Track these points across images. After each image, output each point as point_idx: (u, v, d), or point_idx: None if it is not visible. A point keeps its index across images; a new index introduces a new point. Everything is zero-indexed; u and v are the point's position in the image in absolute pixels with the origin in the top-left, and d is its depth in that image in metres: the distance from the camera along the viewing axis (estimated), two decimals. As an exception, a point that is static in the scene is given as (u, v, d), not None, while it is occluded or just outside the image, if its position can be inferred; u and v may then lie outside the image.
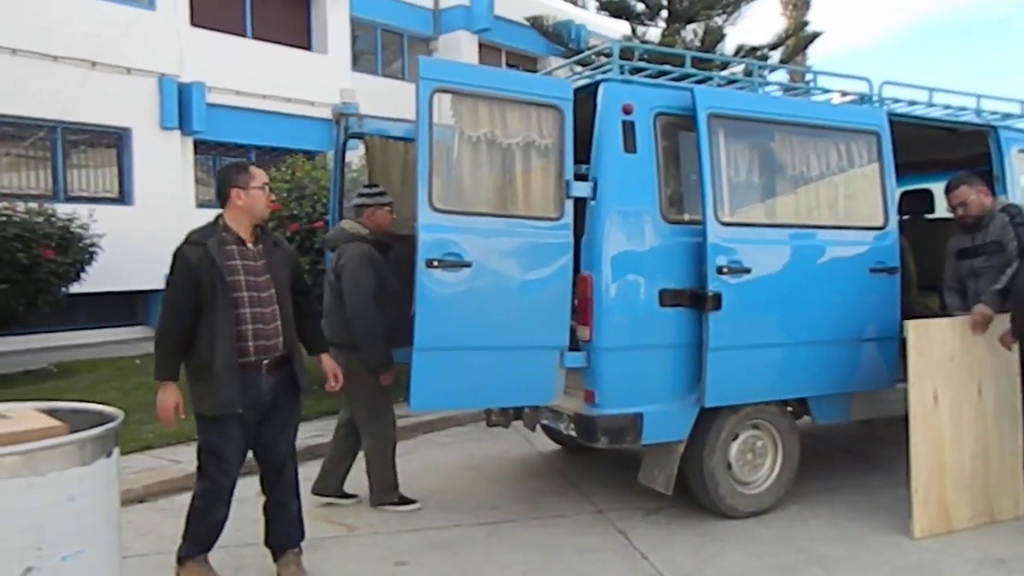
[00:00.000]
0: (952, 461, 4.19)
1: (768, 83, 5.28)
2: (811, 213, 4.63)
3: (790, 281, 4.37)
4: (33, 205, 8.82)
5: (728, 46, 16.27)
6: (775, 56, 15.34)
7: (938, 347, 4.18)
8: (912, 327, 4.14)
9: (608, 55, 4.29)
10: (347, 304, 4.37)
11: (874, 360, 4.68)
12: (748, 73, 4.99)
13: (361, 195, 4.66)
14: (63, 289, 8.93)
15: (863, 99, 5.09)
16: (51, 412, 1.85)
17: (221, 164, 13.63)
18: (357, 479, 4.77)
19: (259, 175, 3.61)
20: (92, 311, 11.35)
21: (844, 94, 5.26)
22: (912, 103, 5.22)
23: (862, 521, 4.35)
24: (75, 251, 8.83)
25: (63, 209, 9.14)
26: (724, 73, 5.78)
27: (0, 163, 10.74)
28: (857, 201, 4.75)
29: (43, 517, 1.56)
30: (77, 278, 9.05)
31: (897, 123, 4.86)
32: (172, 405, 3.39)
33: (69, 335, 10.94)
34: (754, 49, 14.95)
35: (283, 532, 3.74)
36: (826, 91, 5.22)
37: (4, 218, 8.23)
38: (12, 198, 9.29)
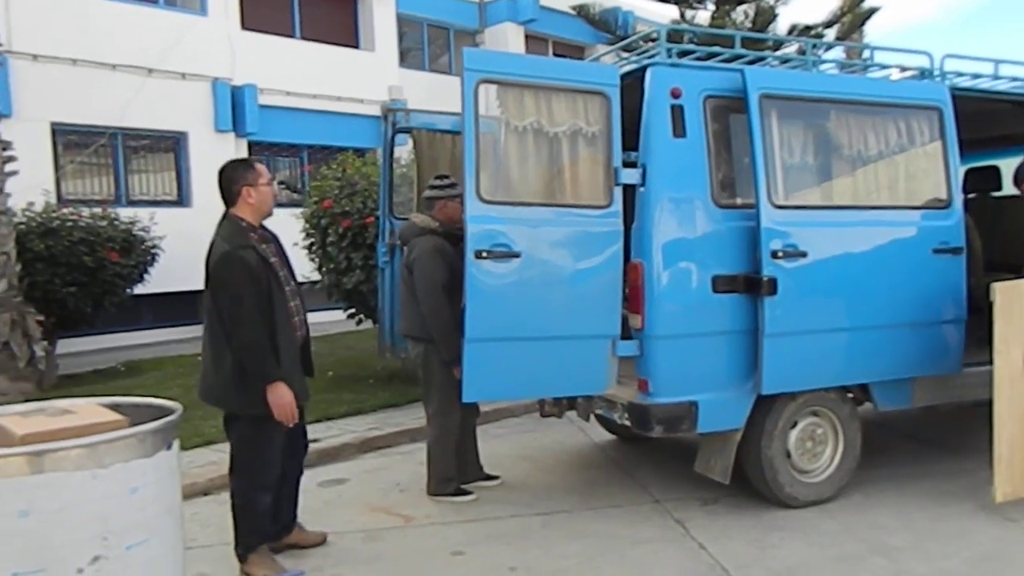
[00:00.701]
0: None
1: (823, 61, 5.14)
2: (869, 193, 4.49)
3: (848, 264, 4.25)
4: (97, 210, 9.13)
5: (781, 26, 15.93)
6: (830, 34, 14.94)
7: None
8: (998, 290, 3.99)
9: (655, 39, 4.22)
10: (420, 298, 4.40)
11: (939, 344, 4.52)
12: (802, 52, 4.85)
13: (432, 187, 4.65)
14: (127, 290, 9.24)
15: (924, 74, 4.91)
16: (114, 407, 1.90)
17: (274, 164, 13.93)
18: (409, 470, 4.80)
19: (264, 171, 3.67)
20: (155, 311, 11.70)
21: (903, 69, 5.08)
22: (976, 76, 5.02)
23: (930, 510, 4.21)
24: (138, 253, 9.14)
25: (125, 213, 9.44)
26: (777, 53, 5.64)
27: (65, 171, 11.12)
28: (918, 179, 4.59)
29: (107, 508, 1.60)
30: (140, 279, 9.36)
31: (961, 98, 4.68)
32: (292, 400, 3.45)
33: (134, 335, 11.30)
34: (808, 28, 14.58)
35: (295, 507, 3.93)
36: (883, 67, 5.04)
37: (70, 223, 8.54)
38: (77, 204, 9.62)
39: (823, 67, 5.10)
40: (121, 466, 1.61)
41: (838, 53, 15.90)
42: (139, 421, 1.75)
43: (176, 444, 1.83)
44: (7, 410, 1.93)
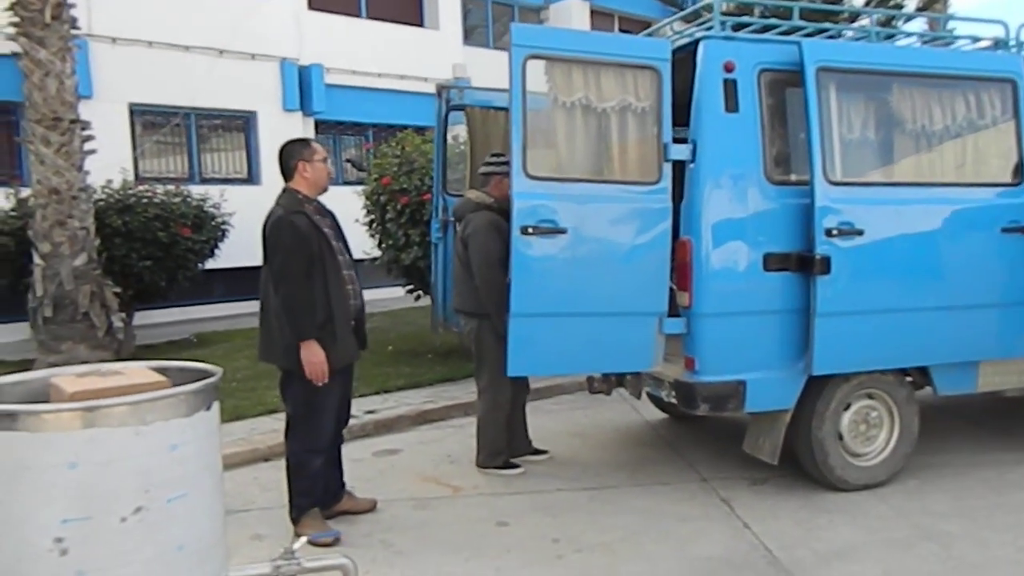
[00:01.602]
0: None
1: (888, 33, 4.95)
2: (933, 170, 4.33)
3: (908, 243, 4.12)
4: (171, 187, 9.49)
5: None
6: (911, 3, 14.29)
7: None
8: None
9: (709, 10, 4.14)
10: (475, 273, 4.47)
11: (1007, 326, 4.35)
12: (882, 24, 4.69)
13: (488, 163, 4.70)
14: (199, 265, 9.59)
15: (998, 44, 4.69)
16: (162, 370, 2.02)
17: (341, 142, 14.18)
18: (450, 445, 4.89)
19: (320, 149, 3.86)
20: (226, 285, 12.11)
21: (976, 40, 4.87)
22: (1056, 46, 4.76)
23: (989, 498, 4.09)
24: (209, 229, 9.47)
25: (197, 190, 9.79)
26: (853, 25, 5.45)
27: (142, 149, 11.58)
28: (987, 155, 4.41)
29: (149, 463, 1.71)
30: (212, 254, 9.70)
31: None
32: (323, 359, 3.60)
33: (206, 308, 11.74)
34: (886, -3, 13.99)
35: (341, 473, 4.09)
36: (944, 38, 4.84)
37: (146, 200, 8.91)
38: (153, 182, 10.02)
39: (888, 39, 4.92)
40: (162, 424, 1.71)
41: (919, 25, 15.25)
42: (181, 383, 1.85)
43: (216, 406, 1.93)
44: (65, 370, 2.07)
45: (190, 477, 1.77)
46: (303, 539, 2.33)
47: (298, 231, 3.60)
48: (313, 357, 3.57)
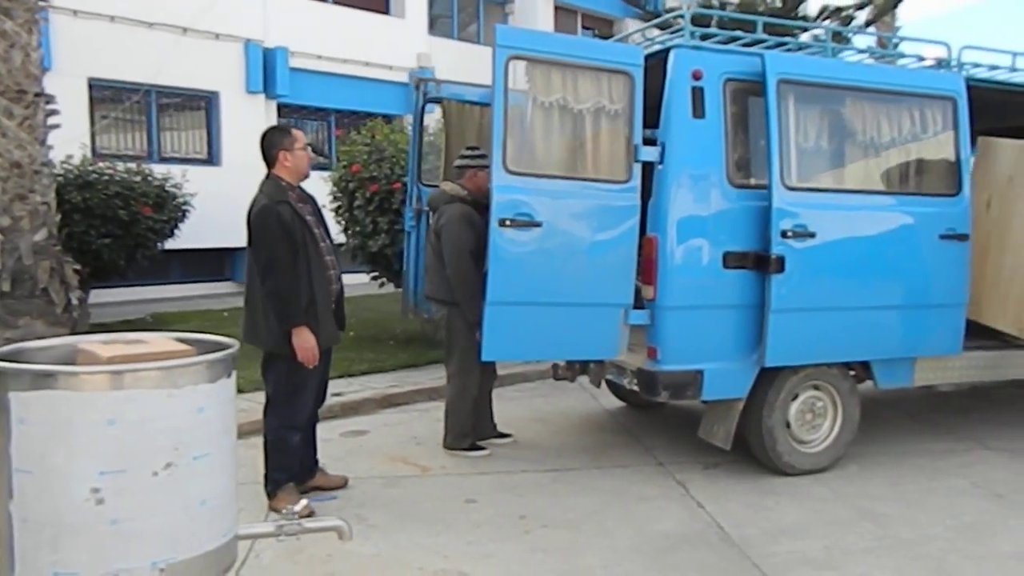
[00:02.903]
0: (991, 267, 4.82)
1: (841, 48, 5.26)
2: (880, 179, 4.65)
3: (855, 246, 4.43)
4: (132, 165, 9.39)
5: (812, 7, 15.83)
6: (861, 16, 14.83)
7: (1000, 166, 4.92)
8: (981, 142, 4.79)
9: (680, 22, 4.37)
10: (446, 262, 4.63)
11: (941, 326, 4.70)
12: (838, 37, 4.99)
13: (463, 156, 4.87)
14: (159, 245, 9.52)
15: (940, 64, 5.04)
16: (181, 340, 2.16)
17: (303, 127, 14.13)
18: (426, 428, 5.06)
19: (300, 136, 3.99)
20: (184, 266, 12.03)
21: (920, 59, 5.21)
22: (993, 68, 5.13)
23: (922, 483, 4.43)
24: (169, 209, 9.39)
25: (158, 169, 9.71)
26: (806, 38, 5.75)
27: (100, 125, 11.40)
28: (929, 167, 4.74)
29: (179, 423, 1.86)
30: (171, 235, 9.63)
31: (982, 89, 4.81)
32: (315, 344, 3.74)
33: (163, 288, 11.64)
34: (839, 10, 14.50)
35: (315, 451, 4.23)
36: (892, 55, 5.17)
37: (107, 177, 8.80)
38: (111, 158, 9.89)
39: (844, 54, 5.23)
40: (191, 388, 1.86)
41: (868, 40, 15.81)
42: (204, 353, 2.00)
43: (234, 375, 2.08)
44: (90, 338, 2.20)
45: (213, 437, 1.93)
46: (304, 502, 2.49)
47: (283, 220, 3.72)
48: (304, 343, 3.71)
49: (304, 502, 2.49)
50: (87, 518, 1.79)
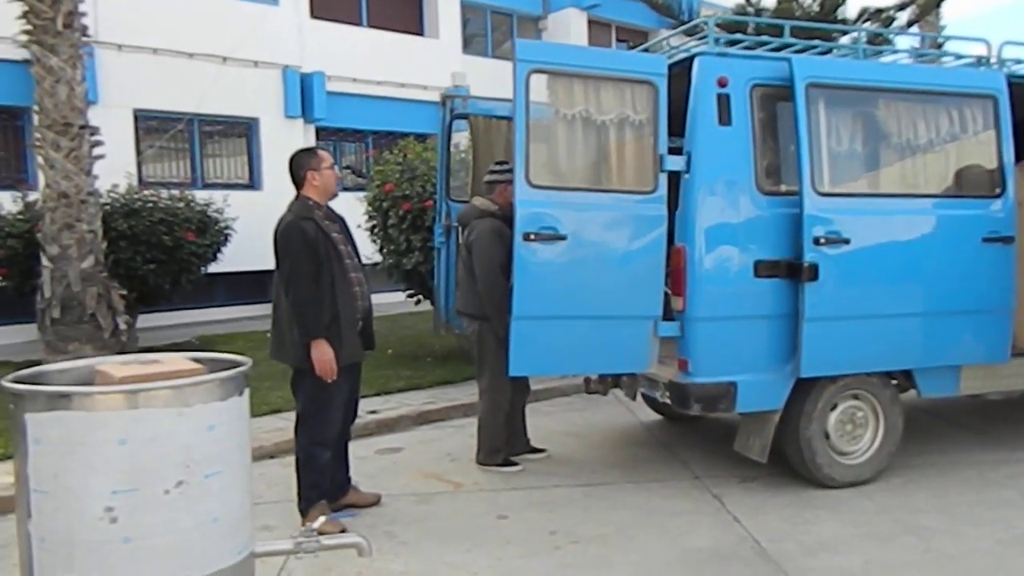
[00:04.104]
0: None
1: (877, 50, 5.16)
2: (917, 182, 4.53)
3: (892, 251, 4.31)
4: (175, 192, 9.65)
5: (851, 9, 15.56)
6: (903, 17, 14.53)
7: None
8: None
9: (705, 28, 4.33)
10: (477, 277, 4.63)
11: (986, 332, 4.54)
12: (870, 41, 4.89)
13: (492, 171, 4.88)
14: (202, 269, 9.74)
15: (980, 61, 4.90)
16: (196, 360, 2.19)
17: (341, 149, 14.37)
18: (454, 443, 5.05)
19: (327, 157, 4.07)
20: (228, 289, 12.27)
21: (959, 57, 5.07)
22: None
23: (969, 495, 4.27)
24: (212, 233, 9.61)
25: (201, 195, 9.95)
26: (841, 42, 5.64)
27: (146, 155, 11.74)
28: (970, 168, 4.60)
29: (190, 441, 1.88)
30: (214, 258, 9.85)
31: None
32: (332, 357, 3.78)
33: (208, 311, 11.89)
34: (879, 11, 14.22)
35: (347, 468, 4.25)
36: (929, 55, 5.04)
37: (151, 204, 9.05)
38: (157, 186, 10.17)
39: (882, 55, 5.12)
40: (202, 406, 1.88)
41: (909, 41, 15.46)
42: (215, 371, 2.02)
43: (247, 392, 2.10)
44: (108, 359, 2.25)
45: (225, 455, 1.94)
46: (322, 518, 2.49)
47: (306, 236, 3.79)
48: (322, 355, 3.75)
49: (323, 518, 2.50)
50: (101, 536, 1.81)
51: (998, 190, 4.55)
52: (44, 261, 7.52)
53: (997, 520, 3.92)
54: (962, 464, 4.78)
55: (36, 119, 7.57)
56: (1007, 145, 4.56)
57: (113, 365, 2.07)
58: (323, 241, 3.82)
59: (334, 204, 4.16)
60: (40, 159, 7.57)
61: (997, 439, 5.28)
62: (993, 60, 4.85)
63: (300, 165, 3.99)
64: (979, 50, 4.88)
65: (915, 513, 4.03)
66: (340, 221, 4.09)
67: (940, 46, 12.54)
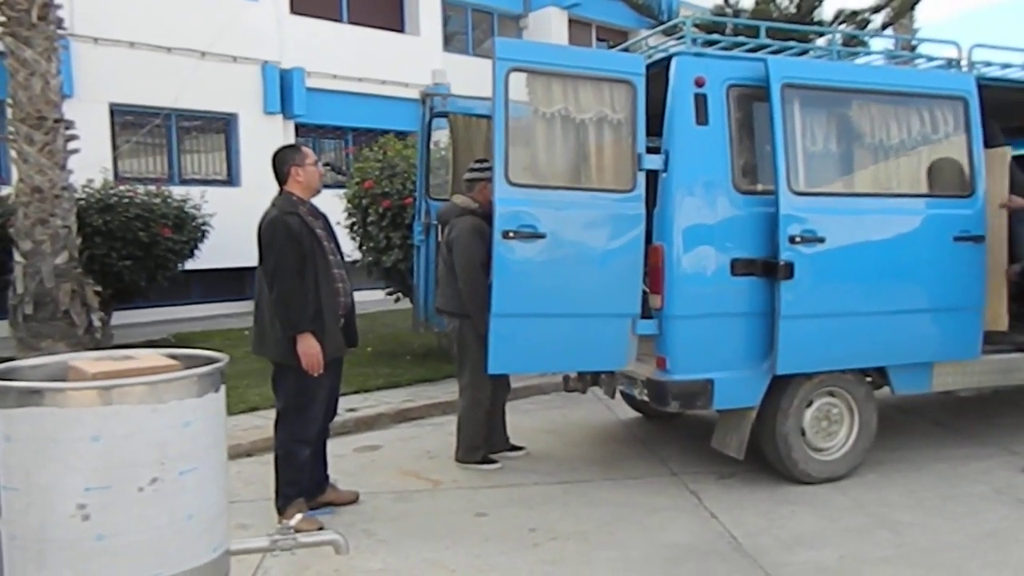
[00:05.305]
0: None
1: (851, 51, 5.21)
2: (890, 181, 4.58)
3: (866, 250, 4.36)
4: (152, 188, 9.54)
5: (827, 11, 15.68)
6: (877, 20, 14.68)
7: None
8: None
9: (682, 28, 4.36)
10: (458, 275, 4.63)
11: (958, 329, 4.61)
12: (846, 42, 4.95)
13: (472, 169, 4.88)
14: (179, 265, 9.65)
15: (951, 64, 4.97)
16: (171, 356, 2.17)
17: (320, 146, 14.29)
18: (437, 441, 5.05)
19: (310, 153, 4.08)
20: (205, 286, 12.16)
21: (930, 59, 5.14)
22: (1006, 66, 5.05)
23: (941, 490, 4.33)
24: (189, 230, 9.52)
25: (178, 191, 9.85)
26: (817, 43, 5.70)
27: (122, 150, 11.61)
28: (941, 168, 4.67)
29: (164, 437, 1.87)
30: (191, 255, 9.76)
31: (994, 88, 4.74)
32: (319, 350, 3.77)
33: (184, 309, 11.78)
34: (855, 14, 14.36)
35: (325, 466, 4.24)
36: (901, 57, 5.10)
37: (127, 200, 8.95)
38: (133, 181, 10.06)
39: (856, 57, 5.17)
40: (176, 403, 1.87)
41: (883, 43, 15.61)
42: (191, 367, 2.01)
43: (223, 389, 2.09)
44: (81, 355, 2.22)
45: (200, 452, 1.93)
46: (299, 515, 2.48)
47: (291, 230, 3.78)
48: (308, 348, 3.74)
49: (299, 516, 2.49)
50: (73, 534, 1.80)
51: (969, 190, 4.62)
52: (17, 257, 7.42)
53: (969, 514, 3.98)
54: (934, 460, 4.85)
55: (9, 112, 7.46)
56: (977, 146, 4.63)
57: (86, 361, 2.05)
58: (307, 236, 3.82)
59: (314, 200, 4.16)
60: (13, 153, 7.46)
61: (969, 435, 5.37)
62: (963, 63, 4.92)
63: (284, 161, 3.98)
64: (950, 53, 4.95)
65: (889, 508, 4.08)
66: (323, 218, 4.09)
67: (913, 48, 12.68)
